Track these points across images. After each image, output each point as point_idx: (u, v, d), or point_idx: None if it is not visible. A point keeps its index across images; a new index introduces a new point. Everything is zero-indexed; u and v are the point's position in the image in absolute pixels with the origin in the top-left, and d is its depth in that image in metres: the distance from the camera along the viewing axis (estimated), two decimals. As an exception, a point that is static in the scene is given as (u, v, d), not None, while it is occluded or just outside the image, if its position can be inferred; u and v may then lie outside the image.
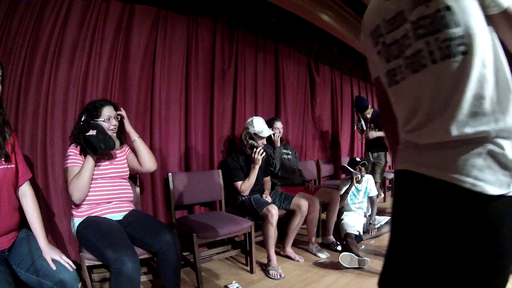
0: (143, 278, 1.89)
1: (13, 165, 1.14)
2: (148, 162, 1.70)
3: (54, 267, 1.08)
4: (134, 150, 1.73)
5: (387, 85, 0.76)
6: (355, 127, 3.89)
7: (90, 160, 1.43)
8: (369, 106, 3.74)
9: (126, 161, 1.69)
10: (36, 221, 1.18)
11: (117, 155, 1.66)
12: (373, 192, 2.87)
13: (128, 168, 1.69)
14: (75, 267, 1.15)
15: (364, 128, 3.77)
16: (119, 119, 1.64)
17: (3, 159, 1.09)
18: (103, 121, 1.54)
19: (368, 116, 3.72)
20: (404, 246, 0.72)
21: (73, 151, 1.48)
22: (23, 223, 1.21)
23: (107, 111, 1.57)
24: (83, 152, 1.46)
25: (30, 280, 1.06)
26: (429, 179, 0.64)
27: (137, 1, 2.18)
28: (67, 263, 1.13)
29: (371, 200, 2.87)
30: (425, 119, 0.66)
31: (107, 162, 1.58)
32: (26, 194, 1.21)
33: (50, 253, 1.12)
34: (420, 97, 0.66)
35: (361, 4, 3.53)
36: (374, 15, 0.76)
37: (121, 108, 1.68)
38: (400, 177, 0.74)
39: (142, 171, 1.74)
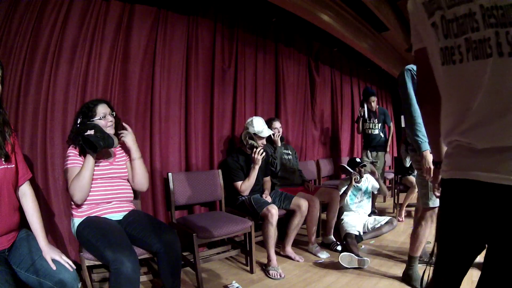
0: (143, 278, 1.90)
1: (13, 165, 1.14)
2: (141, 183, 1.66)
3: (54, 267, 1.08)
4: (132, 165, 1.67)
5: (441, 62, 0.69)
6: (359, 114, 3.84)
7: (90, 160, 1.43)
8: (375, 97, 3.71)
9: (125, 162, 1.69)
10: (36, 221, 1.18)
11: (117, 156, 1.65)
12: (375, 186, 2.90)
13: (127, 169, 1.69)
14: (75, 267, 1.15)
15: (366, 117, 3.74)
16: (114, 115, 1.62)
17: (3, 159, 1.09)
18: (99, 119, 1.54)
19: (373, 104, 3.68)
20: (463, 257, 0.72)
21: (72, 152, 1.48)
22: (23, 223, 1.21)
23: (102, 109, 1.56)
24: (83, 153, 1.46)
25: (30, 280, 1.06)
26: (490, 186, 0.61)
27: (137, 1, 2.18)
28: (67, 263, 1.13)
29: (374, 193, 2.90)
30: (482, 117, 0.61)
31: (106, 163, 1.58)
32: (26, 194, 1.21)
33: (50, 253, 1.12)
34: (478, 87, 0.61)
35: (361, 4, 3.54)
36: None
37: (127, 126, 1.66)
38: (453, 187, 0.71)
39: (132, 187, 1.69)
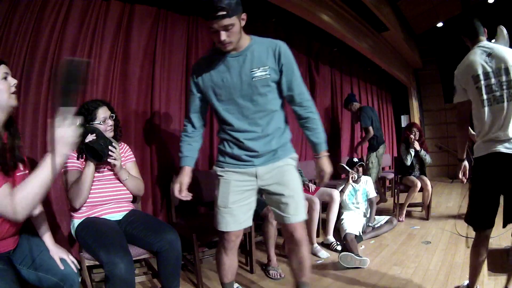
0: (143, 278, 1.89)
1: (27, 171, 1.13)
2: (135, 193, 1.65)
3: (62, 267, 1.11)
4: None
5: (482, 106, 1.42)
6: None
7: (91, 167, 1.41)
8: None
9: (124, 161, 1.67)
10: (41, 222, 1.20)
11: None
12: (372, 193, 2.87)
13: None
14: (79, 267, 1.19)
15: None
16: (114, 117, 1.60)
17: (21, 165, 1.09)
18: (99, 123, 1.51)
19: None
20: (492, 183, 1.40)
21: (71, 155, 1.47)
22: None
23: (102, 113, 1.53)
24: (80, 156, 1.45)
25: (32, 276, 1.08)
26: (507, 155, 1.34)
27: (137, 1, 2.18)
28: (73, 262, 1.17)
29: (370, 201, 2.87)
30: (502, 127, 1.37)
31: (104, 164, 1.56)
32: None
33: (58, 253, 1.15)
34: (502, 115, 1.37)
35: (361, 4, 3.54)
36: (475, 69, 1.43)
37: (115, 147, 1.46)
38: (488, 158, 1.40)
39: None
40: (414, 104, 6.50)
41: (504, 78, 1.36)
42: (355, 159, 2.90)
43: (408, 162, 3.35)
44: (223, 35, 1.18)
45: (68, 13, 1.88)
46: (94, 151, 1.37)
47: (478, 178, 1.45)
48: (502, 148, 1.34)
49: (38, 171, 0.88)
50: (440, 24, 5.56)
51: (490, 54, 1.43)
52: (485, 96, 1.41)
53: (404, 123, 6.26)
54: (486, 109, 1.41)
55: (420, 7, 4.97)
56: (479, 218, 1.44)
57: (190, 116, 1.42)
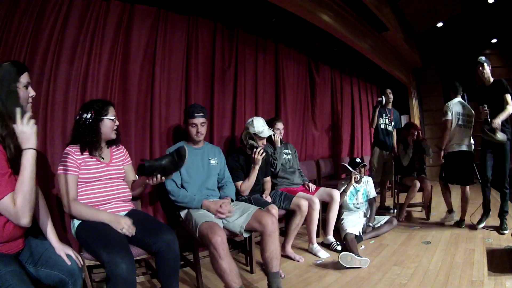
0: (142, 279, 1.89)
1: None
2: (137, 192, 1.69)
3: (69, 262, 1.15)
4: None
5: (456, 125, 2.98)
6: (377, 101, 3.77)
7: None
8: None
9: (122, 162, 1.68)
10: (46, 221, 1.23)
11: (113, 157, 1.63)
12: (372, 194, 2.87)
13: (124, 169, 1.68)
14: (82, 263, 1.22)
15: (381, 111, 3.85)
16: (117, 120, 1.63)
17: None
18: (110, 119, 1.55)
19: (390, 96, 3.95)
20: (453, 164, 3.03)
21: (70, 155, 1.45)
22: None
23: (112, 111, 1.58)
24: (83, 150, 1.46)
25: (39, 273, 1.10)
26: (462, 151, 2.97)
27: (137, 1, 2.18)
28: (77, 258, 1.21)
29: (369, 202, 2.87)
30: (460, 138, 2.98)
31: (103, 164, 1.56)
32: (38, 195, 1.23)
33: (64, 249, 1.19)
34: (466, 133, 2.99)
35: (361, 5, 3.54)
36: (457, 109, 2.99)
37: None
38: (452, 153, 3.02)
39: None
40: (414, 104, 6.50)
41: (466, 119, 2.94)
42: (358, 160, 2.90)
43: (405, 163, 3.36)
44: (200, 127, 1.95)
45: (68, 13, 1.88)
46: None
47: (448, 161, 3.04)
48: (458, 148, 2.94)
49: (23, 170, 1.06)
50: (440, 24, 5.55)
51: (464, 106, 2.97)
52: (460, 122, 2.95)
53: (404, 123, 6.26)
54: (457, 128, 2.95)
55: (420, 7, 4.96)
56: (447, 177, 3.11)
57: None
